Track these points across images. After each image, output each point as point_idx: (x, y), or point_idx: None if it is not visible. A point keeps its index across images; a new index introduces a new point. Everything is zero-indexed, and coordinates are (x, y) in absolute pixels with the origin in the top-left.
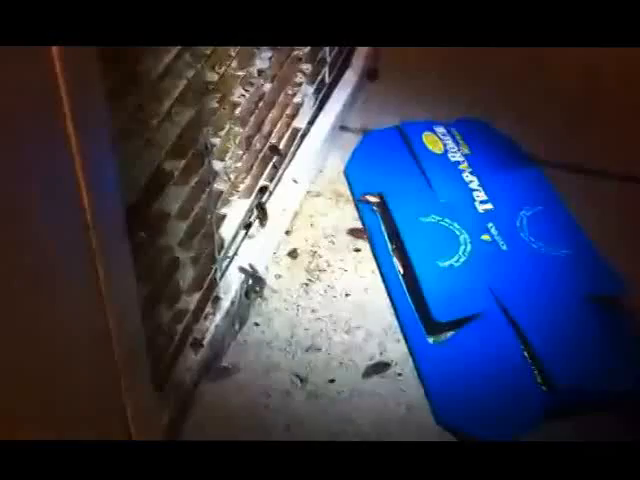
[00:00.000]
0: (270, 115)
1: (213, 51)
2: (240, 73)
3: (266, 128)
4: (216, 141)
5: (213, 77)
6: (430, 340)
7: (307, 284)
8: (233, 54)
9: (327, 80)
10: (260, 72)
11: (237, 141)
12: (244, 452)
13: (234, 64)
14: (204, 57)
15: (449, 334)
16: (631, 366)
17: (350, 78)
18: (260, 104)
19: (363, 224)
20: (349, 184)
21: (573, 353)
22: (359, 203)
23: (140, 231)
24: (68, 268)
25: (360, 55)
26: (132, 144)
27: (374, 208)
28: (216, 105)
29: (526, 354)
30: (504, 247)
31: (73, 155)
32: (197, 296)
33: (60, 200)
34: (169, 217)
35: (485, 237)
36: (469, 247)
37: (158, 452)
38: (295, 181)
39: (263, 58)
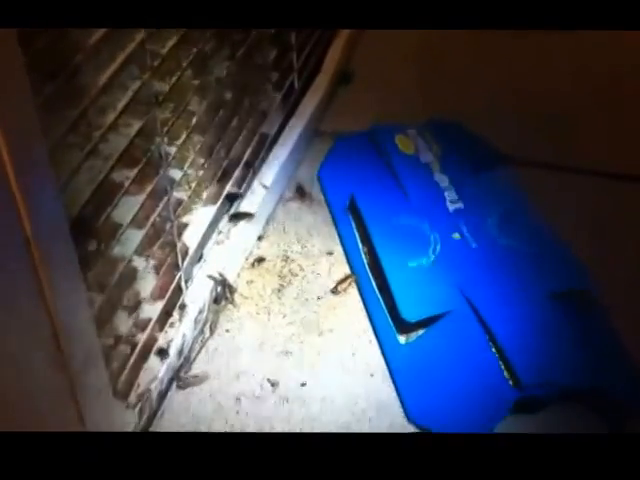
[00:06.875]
0: (233, 123)
1: (162, 62)
2: (195, 82)
3: (230, 136)
4: (172, 150)
5: (164, 87)
6: (401, 340)
7: (279, 289)
8: (184, 64)
9: (296, 86)
10: (219, 80)
11: (197, 149)
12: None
13: (188, 73)
14: (152, 68)
15: (420, 332)
16: (597, 361)
17: (322, 82)
18: (220, 112)
19: (336, 228)
20: (322, 188)
21: (540, 349)
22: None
23: (90, 241)
24: (10, 283)
25: (332, 59)
26: (73, 156)
27: (347, 210)
28: (169, 115)
29: (494, 350)
30: (474, 245)
31: (6, 169)
32: (160, 304)
33: None
34: (121, 227)
35: (455, 236)
36: (439, 246)
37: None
38: (265, 186)
39: (221, 66)
